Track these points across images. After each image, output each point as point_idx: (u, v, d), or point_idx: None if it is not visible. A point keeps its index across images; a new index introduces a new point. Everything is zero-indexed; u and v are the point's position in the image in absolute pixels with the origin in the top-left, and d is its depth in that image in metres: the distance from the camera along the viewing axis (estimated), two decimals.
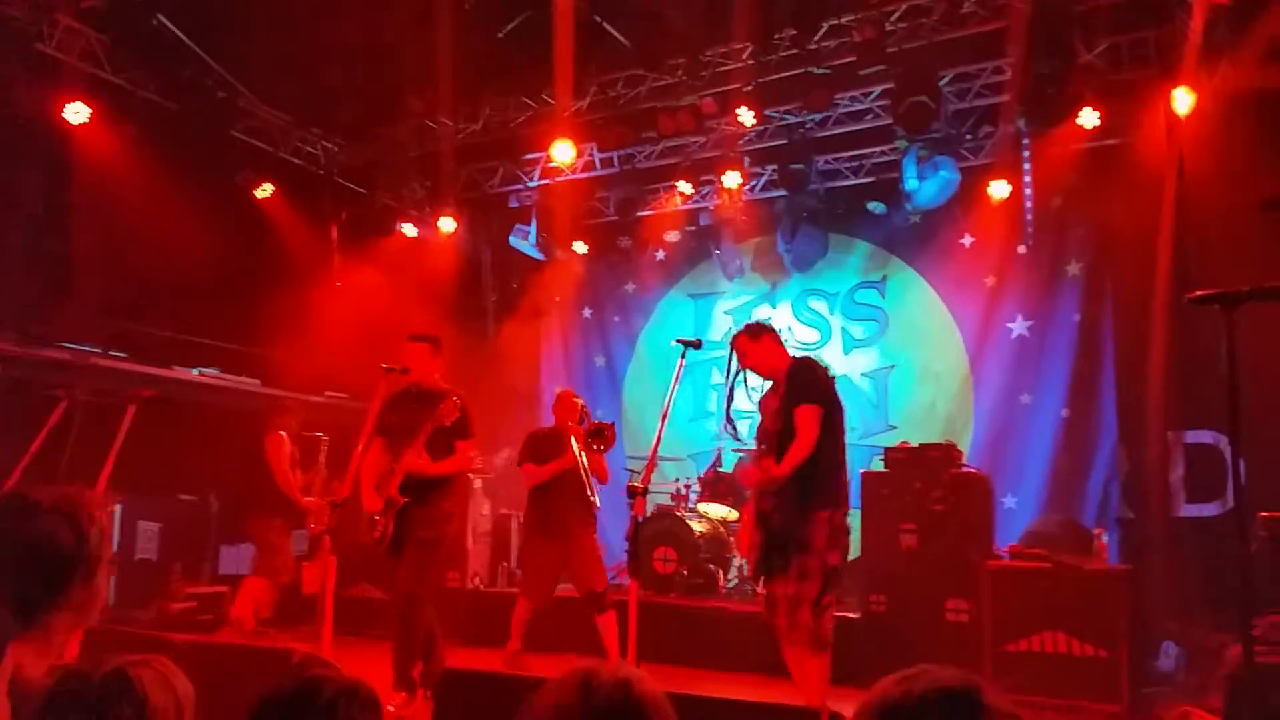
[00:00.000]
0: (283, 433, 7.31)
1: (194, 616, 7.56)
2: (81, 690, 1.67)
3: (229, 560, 8.31)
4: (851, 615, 6.91)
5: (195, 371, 8.39)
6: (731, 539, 8.35)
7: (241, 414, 8.06)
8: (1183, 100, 6.88)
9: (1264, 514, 4.83)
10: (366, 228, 9.76)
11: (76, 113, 7.26)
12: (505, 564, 8.78)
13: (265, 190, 8.82)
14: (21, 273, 7.39)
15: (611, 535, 8.79)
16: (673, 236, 10.19)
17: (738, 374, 4.78)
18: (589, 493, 6.12)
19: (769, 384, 4.90)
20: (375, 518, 5.32)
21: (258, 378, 8.80)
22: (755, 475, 4.75)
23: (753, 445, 5.53)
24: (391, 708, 4.84)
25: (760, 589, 4.83)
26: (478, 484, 8.70)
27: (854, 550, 7.36)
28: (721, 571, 8.26)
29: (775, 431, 4.67)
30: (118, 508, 7.33)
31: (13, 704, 1.79)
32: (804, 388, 4.70)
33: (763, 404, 4.93)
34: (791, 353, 4.94)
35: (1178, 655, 6.32)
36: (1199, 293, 2.68)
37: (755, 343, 4.84)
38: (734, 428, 4.99)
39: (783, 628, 4.56)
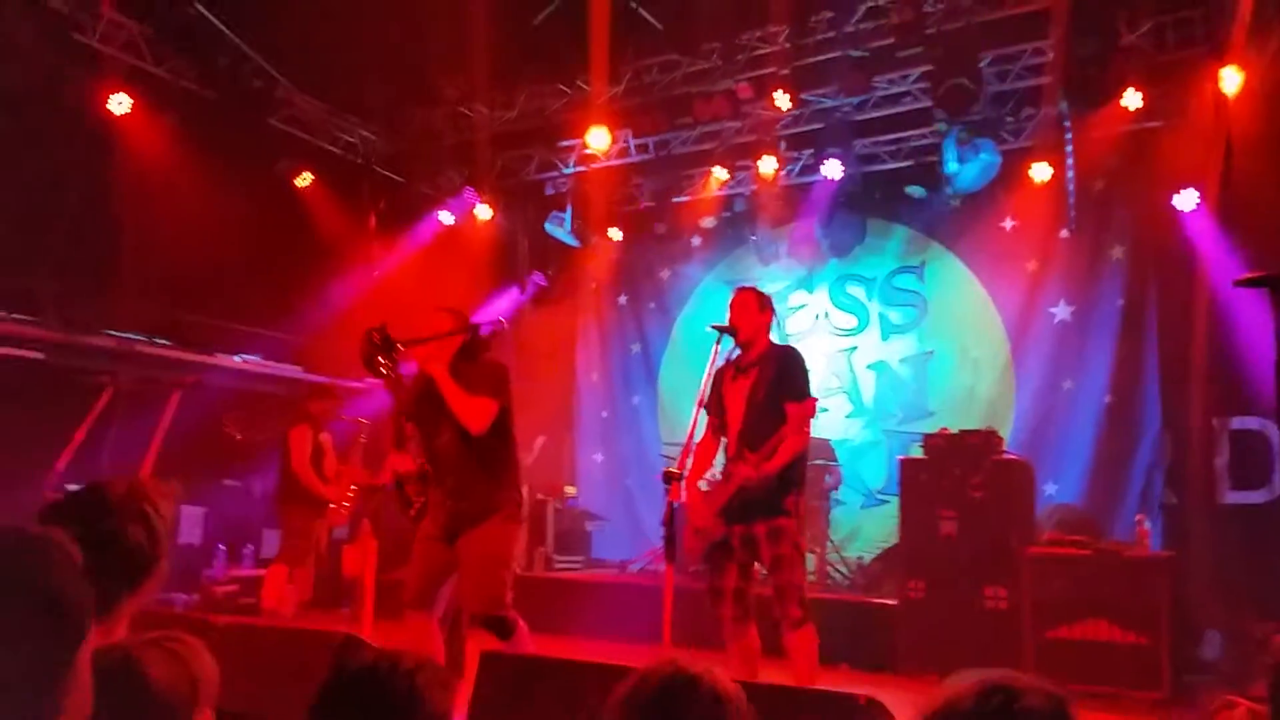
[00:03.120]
0: (307, 424, 7.37)
1: (236, 600, 7.69)
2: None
3: (271, 545, 8.42)
4: (889, 602, 6.89)
5: (238, 359, 8.51)
6: None
7: (284, 401, 8.16)
8: (1231, 79, 6.73)
9: None
10: (404, 215, 9.82)
11: (120, 103, 7.38)
12: (542, 548, 8.85)
13: (305, 179, 8.90)
14: (66, 261, 7.52)
15: (648, 520, 8.82)
16: (708, 223, 10.15)
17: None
18: None
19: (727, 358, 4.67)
20: (410, 494, 5.20)
21: (299, 364, 8.91)
22: (745, 474, 4.45)
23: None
24: None
25: (703, 569, 4.69)
26: None
27: (892, 537, 7.44)
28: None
29: (748, 415, 4.55)
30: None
31: None
32: (800, 383, 4.60)
33: (726, 380, 4.73)
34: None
35: (1221, 643, 6.23)
36: (1248, 275, 2.63)
37: (761, 313, 4.70)
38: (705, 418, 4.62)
39: (732, 615, 4.49)
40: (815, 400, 4.56)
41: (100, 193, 7.51)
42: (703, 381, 4.39)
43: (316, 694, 1.67)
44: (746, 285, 4.94)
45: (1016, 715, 1.19)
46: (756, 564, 4.55)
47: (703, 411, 4.41)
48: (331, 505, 7.20)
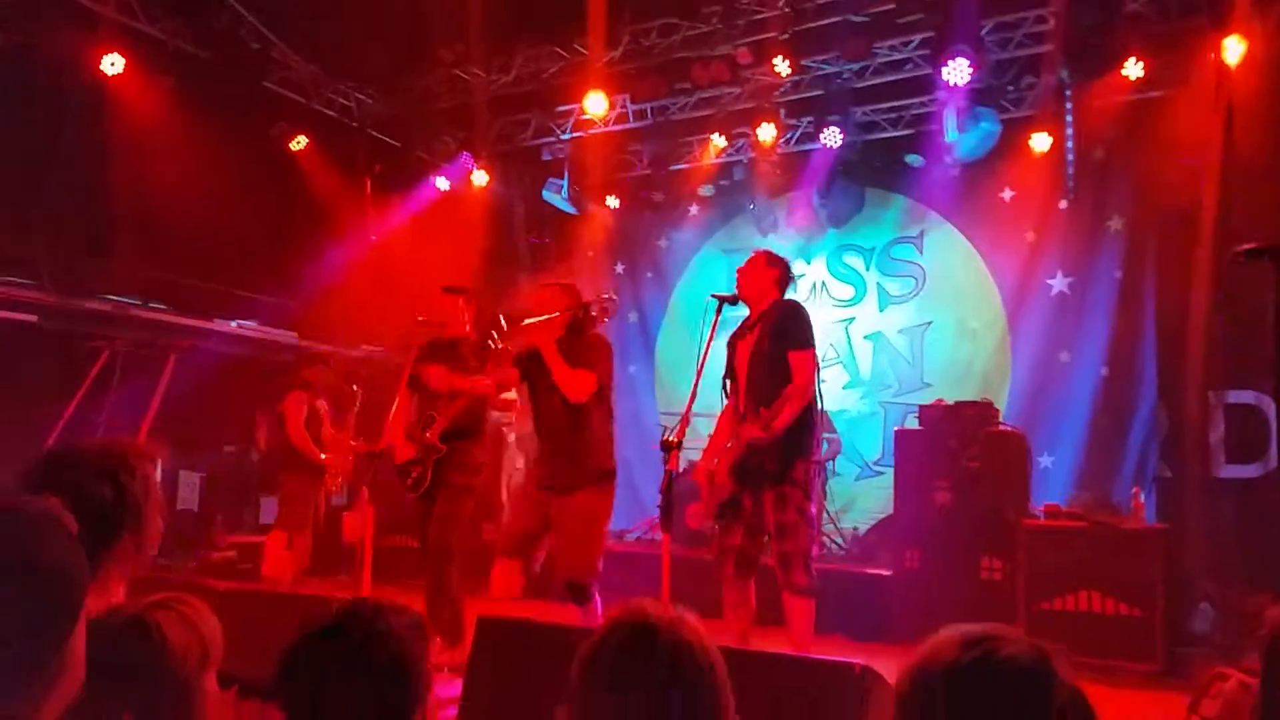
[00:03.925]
0: (303, 390, 7.36)
1: (235, 565, 7.71)
2: (101, 636, 1.70)
3: (270, 510, 8.45)
4: (884, 572, 6.93)
5: (234, 324, 8.48)
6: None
7: (279, 366, 8.15)
8: (1234, 49, 6.68)
9: None
10: (400, 181, 9.76)
11: (113, 64, 7.28)
12: None
13: (300, 143, 8.82)
14: (61, 225, 7.47)
15: (645, 490, 8.84)
16: (707, 191, 10.09)
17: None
18: None
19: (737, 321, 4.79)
20: (409, 466, 5.38)
21: (295, 330, 8.88)
22: (753, 434, 4.49)
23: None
24: None
25: (716, 528, 4.76)
26: (511, 438, 8.77)
27: (887, 507, 7.47)
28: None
29: (750, 374, 4.60)
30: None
31: None
32: (802, 331, 4.63)
33: (736, 342, 4.82)
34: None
35: (1214, 616, 6.27)
36: (1248, 246, 2.62)
37: (766, 269, 4.76)
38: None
39: (733, 571, 4.58)
40: (813, 350, 4.58)
41: (95, 155, 7.44)
42: (701, 350, 4.38)
43: (288, 643, 1.67)
44: (768, 250, 4.99)
45: (998, 666, 1.19)
46: (763, 529, 4.57)
47: (701, 380, 4.41)
48: (328, 472, 7.20)
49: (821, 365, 4.92)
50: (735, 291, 4.67)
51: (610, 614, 1.68)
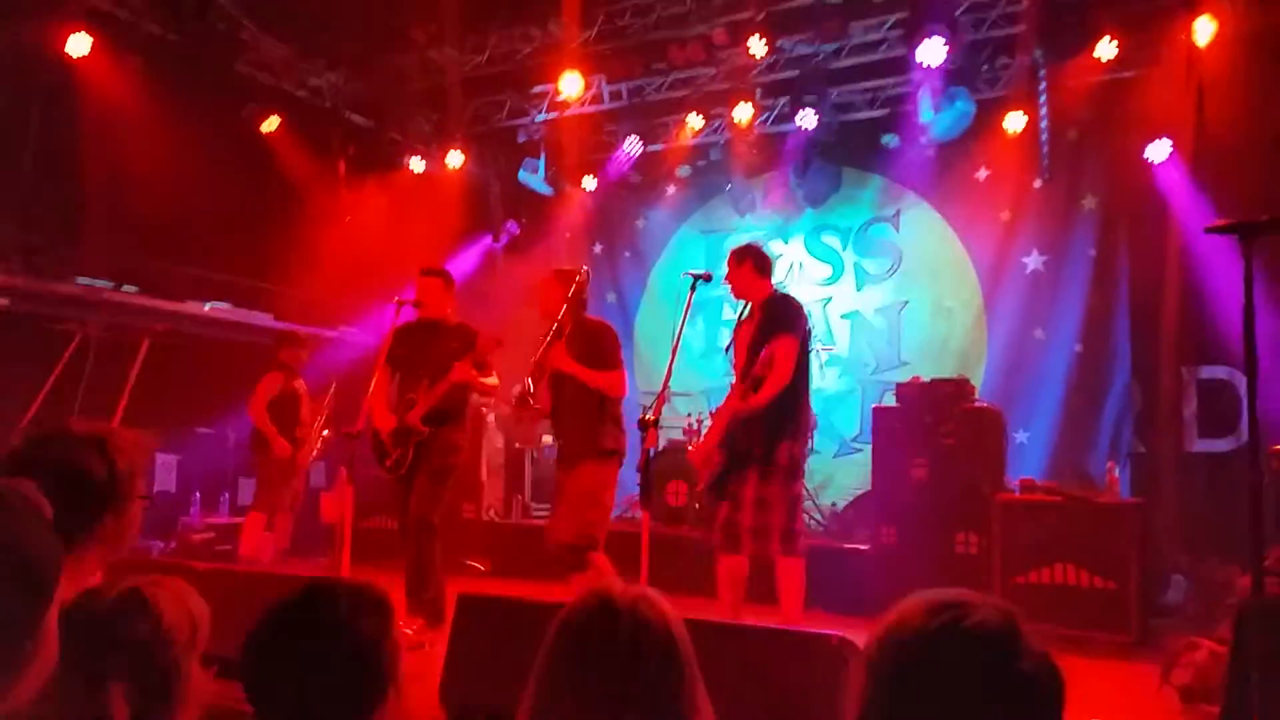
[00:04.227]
0: (279, 371, 7.31)
1: (213, 547, 7.68)
2: (96, 608, 1.70)
3: (246, 492, 8.40)
4: (861, 547, 6.99)
5: (207, 306, 8.41)
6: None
7: (254, 348, 8.09)
8: (1204, 30, 6.73)
9: (1277, 447, 4.84)
10: (374, 162, 9.68)
11: (80, 44, 7.16)
12: (519, 496, 8.91)
13: (271, 124, 8.72)
14: (30, 207, 7.37)
15: (625, 468, 8.86)
16: (684, 172, 10.08)
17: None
18: None
19: (747, 312, 5.06)
20: (389, 445, 5.38)
21: (270, 312, 8.82)
22: (733, 407, 4.82)
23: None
24: (410, 631, 4.93)
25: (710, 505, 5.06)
26: (491, 418, 8.77)
27: (865, 484, 7.53)
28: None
29: (748, 359, 4.82)
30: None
31: None
32: (782, 319, 4.82)
33: (736, 331, 5.08)
34: (775, 285, 5.10)
35: (1186, 587, 6.37)
36: (1218, 223, 2.65)
37: (738, 267, 5.02)
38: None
39: (720, 542, 4.77)
40: (794, 337, 4.74)
41: (64, 137, 7.34)
42: (677, 328, 4.42)
43: (254, 624, 1.67)
44: (734, 247, 5.22)
45: (965, 630, 1.19)
46: (745, 503, 4.73)
47: (677, 358, 4.55)
48: (300, 451, 7.17)
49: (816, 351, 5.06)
50: (707, 270, 4.75)
51: (575, 595, 1.69)
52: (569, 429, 5.10)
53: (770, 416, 4.69)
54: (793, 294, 5.24)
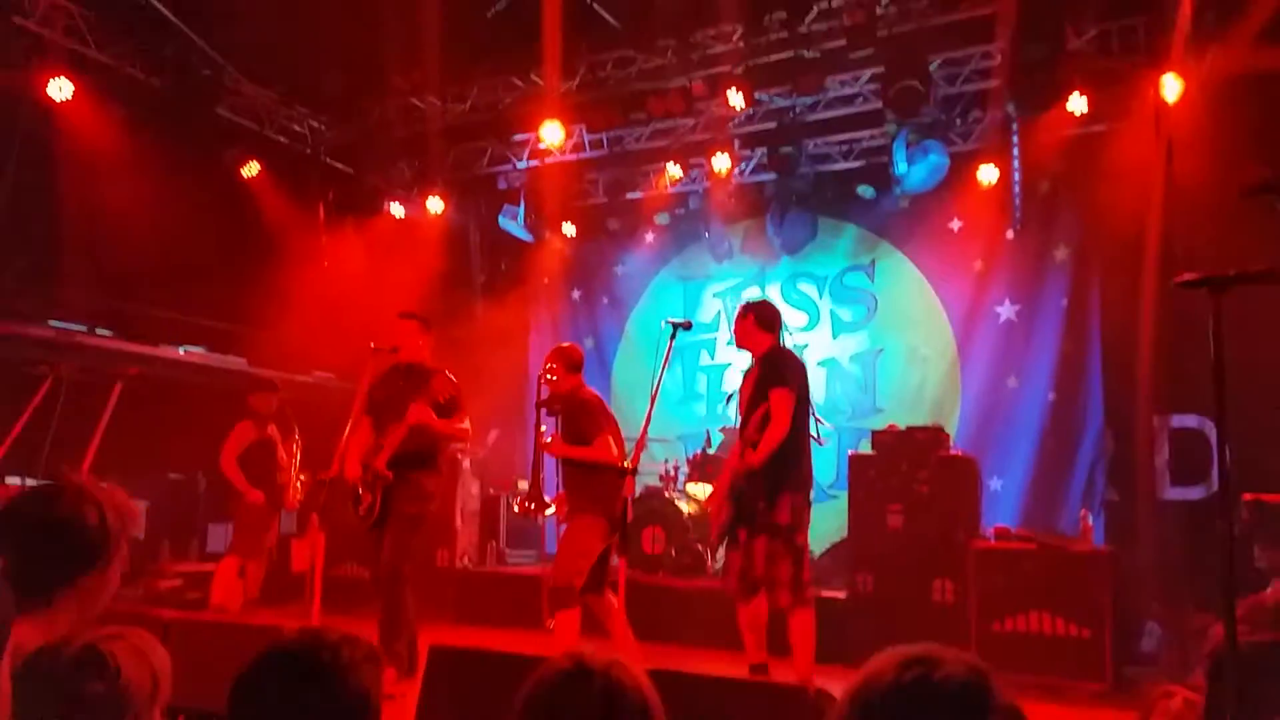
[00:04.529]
0: (250, 420, 7.26)
1: (182, 594, 7.56)
2: (53, 665, 1.67)
3: (216, 538, 8.30)
4: (838, 595, 6.96)
5: (181, 350, 8.36)
6: None
7: (228, 393, 8.03)
8: (1171, 87, 6.89)
9: (1248, 495, 4.88)
10: (354, 207, 9.70)
11: (60, 89, 7.17)
12: (494, 543, 8.82)
13: (252, 169, 8.74)
14: (6, 250, 7.33)
15: None
16: (662, 219, 10.16)
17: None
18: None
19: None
20: (360, 492, 5.34)
21: (244, 357, 8.77)
22: (734, 466, 5.12)
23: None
24: None
25: (722, 555, 5.46)
26: (466, 464, 8.71)
27: (841, 531, 7.51)
28: (709, 552, 8.28)
29: (748, 411, 5.07)
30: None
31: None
32: (777, 374, 5.03)
33: (741, 383, 5.32)
34: (778, 339, 5.28)
35: (1160, 635, 6.38)
36: (1187, 276, 2.69)
37: (742, 320, 5.27)
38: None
39: (737, 589, 5.01)
40: (790, 390, 4.96)
41: (42, 181, 7.33)
42: (657, 376, 4.45)
43: (242, 670, 1.65)
44: (743, 303, 5.50)
45: (934, 685, 1.19)
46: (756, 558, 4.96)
47: (656, 406, 4.60)
48: (256, 502, 7.09)
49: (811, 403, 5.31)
50: (686, 318, 4.86)
51: (549, 658, 1.68)
52: (570, 483, 5.34)
53: (770, 470, 4.89)
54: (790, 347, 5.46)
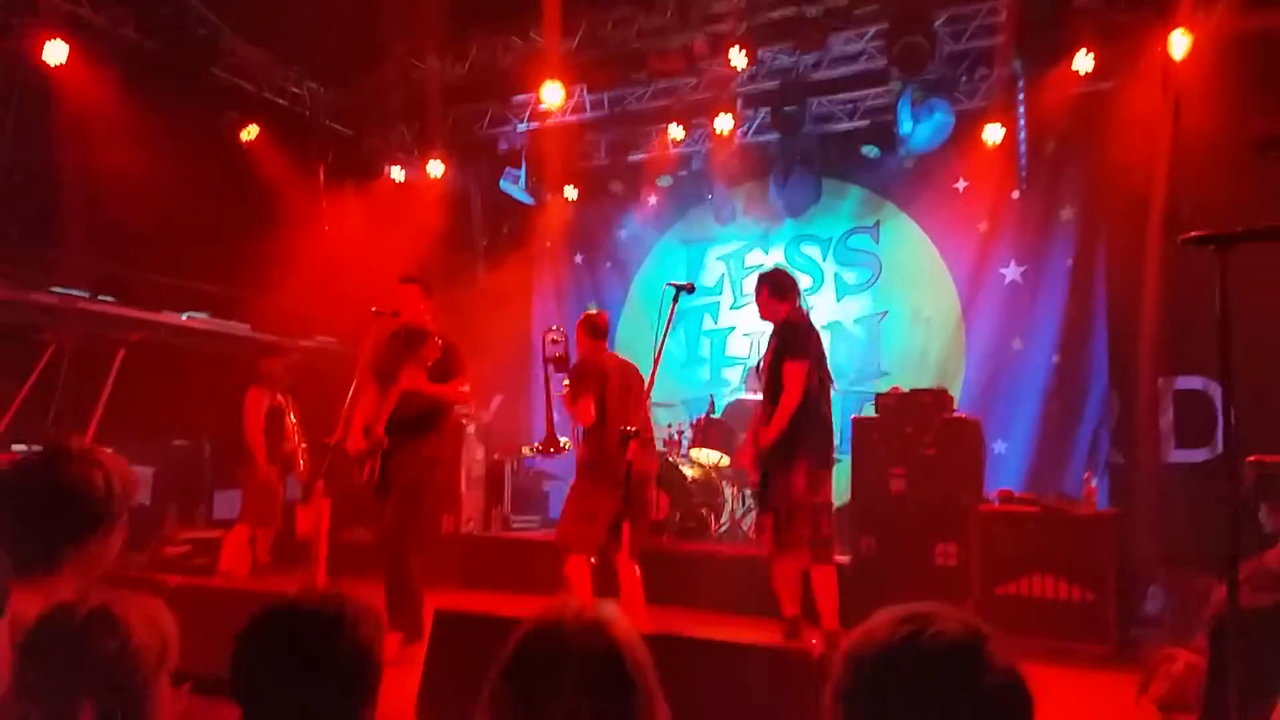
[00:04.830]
0: (262, 384, 7.26)
1: (188, 561, 7.60)
2: (66, 624, 1.68)
3: (223, 505, 8.33)
4: (841, 559, 6.97)
5: (184, 316, 8.34)
6: (723, 483, 8.43)
7: (231, 358, 8.03)
8: (1179, 43, 6.79)
9: (1252, 457, 4.86)
10: (354, 171, 9.63)
11: (55, 51, 7.09)
12: (499, 508, 8.84)
13: (250, 132, 8.66)
14: (5, 216, 7.29)
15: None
16: (665, 181, 10.08)
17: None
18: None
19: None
20: (364, 459, 5.34)
21: (247, 322, 8.75)
22: (753, 444, 5.40)
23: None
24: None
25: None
26: (470, 429, 8.71)
27: (844, 495, 7.52)
28: (713, 516, 8.31)
29: (765, 380, 5.30)
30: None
31: (12, 645, 1.80)
32: (788, 345, 5.20)
33: (764, 353, 5.55)
34: (795, 305, 5.49)
35: (1164, 598, 6.39)
36: (1194, 234, 2.65)
37: (757, 294, 5.50)
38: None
39: (769, 548, 5.32)
40: (802, 361, 5.15)
41: (41, 145, 7.27)
42: (659, 340, 4.40)
43: (243, 627, 1.65)
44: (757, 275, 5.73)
45: (929, 642, 1.18)
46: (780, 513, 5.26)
47: (659, 369, 4.59)
48: (262, 473, 7.11)
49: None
50: (689, 281, 4.83)
51: (530, 616, 1.64)
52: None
53: (786, 436, 5.15)
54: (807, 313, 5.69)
